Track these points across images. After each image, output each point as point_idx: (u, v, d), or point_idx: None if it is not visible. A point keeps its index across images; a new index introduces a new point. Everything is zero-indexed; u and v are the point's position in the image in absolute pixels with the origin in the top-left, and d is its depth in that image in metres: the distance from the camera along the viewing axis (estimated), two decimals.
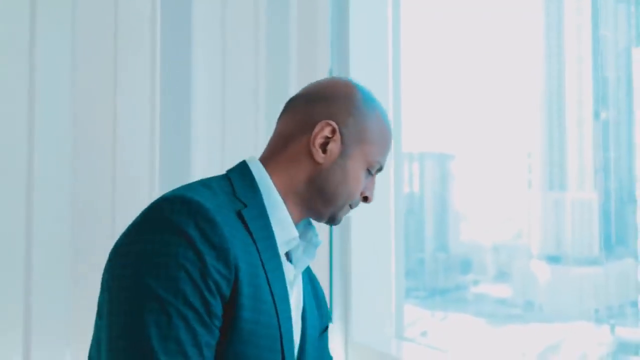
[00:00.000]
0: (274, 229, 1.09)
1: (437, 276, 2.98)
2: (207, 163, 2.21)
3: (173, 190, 1.03)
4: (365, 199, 1.19)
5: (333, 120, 1.11)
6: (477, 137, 2.73)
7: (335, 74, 2.63)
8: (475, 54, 2.68)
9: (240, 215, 1.04)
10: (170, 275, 0.93)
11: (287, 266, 1.12)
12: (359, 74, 2.56)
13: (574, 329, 2.46)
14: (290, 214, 1.13)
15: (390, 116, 2.64)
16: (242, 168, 1.12)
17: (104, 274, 1.02)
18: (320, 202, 1.14)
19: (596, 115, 2.34)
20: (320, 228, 2.58)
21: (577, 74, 2.40)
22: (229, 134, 2.30)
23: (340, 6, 2.60)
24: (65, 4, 2.15)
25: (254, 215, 1.06)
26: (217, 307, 0.96)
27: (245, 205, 1.06)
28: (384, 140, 1.17)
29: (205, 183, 1.07)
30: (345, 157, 1.12)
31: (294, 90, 2.56)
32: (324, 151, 1.11)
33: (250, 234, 1.04)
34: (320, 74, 2.54)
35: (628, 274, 2.28)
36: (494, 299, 2.82)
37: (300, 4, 2.51)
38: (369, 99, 1.17)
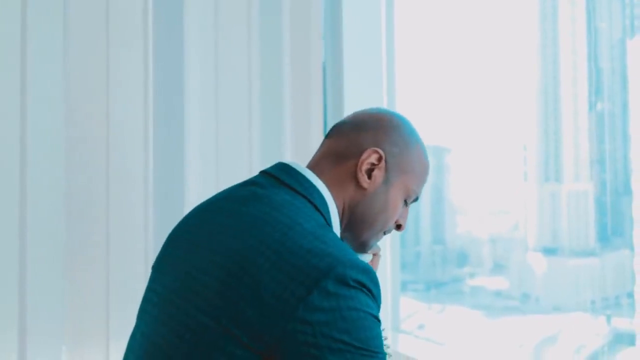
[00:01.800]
0: None
1: (434, 269, 2.99)
2: (201, 159, 2.21)
3: (338, 253, 0.99)
4: (399, 227, 1.24)
5: (380, 148, 1.15)
6: (473, 129, 2.73)
7: (329, 69, 2.62)
8: (469, 47, 2.67)
9: None
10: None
11: None
12: (353, 68, 2.55)
13: (571, 320, 2.47)
14: None
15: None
16: (315, 191, 1.11)
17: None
18: (359, 226, 1.17)
19: (591, 107, 2.34)
20: None
21: (572, 65, 2.40)
22: (222, 129, 2.30)
23: (333, 1, 2.59)
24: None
25: None
26: None
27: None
28: (424, 172, 1.23)
29: (324, 227, 1.05)
30: (388, 184, 1.16)
31: (287, 85, 2.55)
32: (369, 177, 1.14)
33: None
34: (313, 69, 2.54)
35: (624, 265, 2.28)
36: (490, 291, 2.82)
37: None
38: (412, 132, 1.22)
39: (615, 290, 2.33)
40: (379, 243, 1.30)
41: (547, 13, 2.47)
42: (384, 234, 1.22)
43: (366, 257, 1.29)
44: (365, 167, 1.13)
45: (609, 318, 2.32)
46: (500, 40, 2.58)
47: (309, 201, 1.08)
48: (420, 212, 2.97)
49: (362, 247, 1.22)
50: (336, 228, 1.12)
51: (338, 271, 0.94)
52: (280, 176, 1.12)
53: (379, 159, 1.14)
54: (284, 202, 1.05)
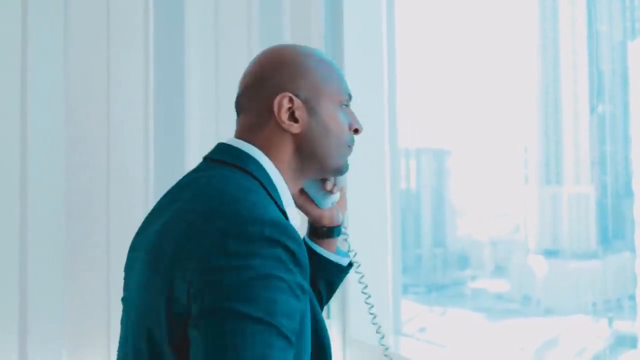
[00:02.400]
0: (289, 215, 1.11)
1: (435, 272, 2.98)
2: (201, 159, 2.20)
3: (251, 208, 1.00)
4: (356, 131, 1.21)
5: (284, 92, 1.12)
6: (474, 132, 2.73)
7: None
8: (470, 49, 2.67)
9: (285, 215, 1.07)
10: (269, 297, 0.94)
11: None
12: (354, 70, 2.55)
13: (572, 322, 2.46)
14: (291, 191, 1.16)
15: (386, 112, 2.64)
16: (251, 160, 1.12)
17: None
18: (318, 162, 1.16)
19: (592, 109, 2.34)
20: None
21: (573, 68, 2.40)
22: (222, 129, 2.30)
23: (334, 1, 2.60)
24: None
25: (281, 205, 1.09)
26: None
27: (276, 201, 1.08)
28: (335, 74, 1.19)
29: (250, 189, 1.05)
30: (315, 113, 1.14)
31: None
32: (295, 121, 1.13)
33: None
34: None
35: (625, 268, 2.27)
36: (491, 293, 2.82)
37: None
38: (299, 52, 1.18)
39: (616, 292, 2.32)
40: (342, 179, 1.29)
41: (548, 15, 2.48)
42: (349, 147, 1.20)
43: (334, 197, 1.28)
44: (285, 115, 1.11)
45: (610, 320, 2.31)
46: (501, 42, 2.59)
47: (244, 170, 1.09)
48: (421, 215, 2.97)
49: (339, 171, 1.20)
50: (282, 186, 1.12)
51: (240, 229, 0.95)
52: (217, 156, 1.14)
53: (290, 100, 1.12)
54: (216, 176, 1.08)
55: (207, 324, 0.92)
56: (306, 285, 0.99)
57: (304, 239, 1.32)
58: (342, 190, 1.32)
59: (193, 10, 2.28)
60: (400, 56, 2.68)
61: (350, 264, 1.38)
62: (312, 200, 1.29)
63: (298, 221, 1.16)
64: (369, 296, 1.36)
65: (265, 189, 1.08)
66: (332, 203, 1.30)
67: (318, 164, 1.17)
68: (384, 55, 2.63)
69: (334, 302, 2.58)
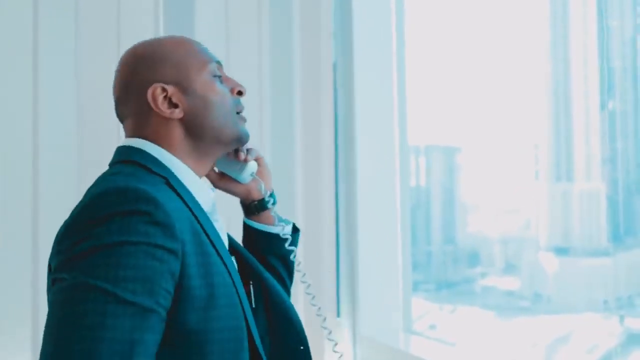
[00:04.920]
0: (192, 193, 1.12)
1: (445, 269, 2.98)
2: None
3: (102, 184, 1.04)
4: (240, 93, 1.21)
5: (151, 84, 1.13)
6: (484, 129, 2.72)
7: (340, 68, 2.62)
8: (480, 45, 2.66)
9: (169, 184, 1.08)
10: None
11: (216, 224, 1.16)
12: (363, 68, 2.55)
13: (583, 320, 2.45)
14: (198, 174, 1.17)
15: (396, 110, 2.64)
16: (136, 151, 1.13)
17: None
18: (212, 137, 1.16)
19: (603, 105, 2.33)
20: (327, 221, 2.58)
21: (583, 64, 2.39)
22: None
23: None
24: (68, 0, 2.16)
25: (177, 184, 1.09)
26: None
27: (166, 178, 1.09)
28: (192, 47, 1.18)
29: (120, 171, 1.08)
30: (189, 92, 1.14)
31: (298, 84, 2.56)
32: (175, 106, 1.13)
33: (183, 200, 1.07)
34: (324, 68, 2.54)
35: (637, 265, 2.27)
36: (502, 291, 2.81)
37: None
38: (148, 43, 1.18)
39: (628, 290, 2.32)
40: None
41: (558, 12, 2.47)
42: (238, 113, 1.20)
43: (250, 167, 1.28)
44: (164, 105, 1.12)
45: (622, 318, 2.30)
46: (511, 39, 2.58)
47: (127, 162, 1.11)
48: (431, 212, 2.97)
49: (239, 140, 1.20)
50: (176, 163, 1.12)
51: (87, 204, 0.98)
52: (113, 159, 1.15)
53: (163, 89, 1.13)
54: (102, 175, 1.10)
55: (53, 291, 0.96)
56: (173, 244, 0.98)
57: (243, 221, 1.34)
58: (259, 159, 1.32)
59: (203, 10, 2.29)
60: (410, 54, 2.68)
61: (297, 230, 1.37)
62: (233, 179, 1.29)
63: (210, 196, 1.17)
64: (300, 263, 1.36)
65: (145, 167, 1.09)
66: (251, 174, 1.29)
67: (213, 139, 1.16)
68: (393, 53, 2.63)
69: (344, 300, 2.58)
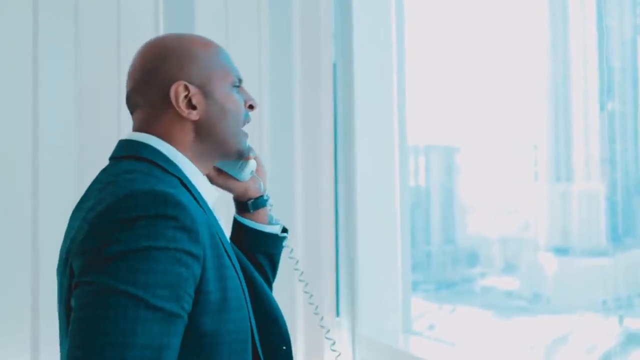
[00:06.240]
0: (201, 193, 1.14)
1: (444, 269, 2.98)
2: None
3: (123, 184, 1.02)
4: (251, 107, 1.23)
5: (176, 80, 1.13)
6: (483, 129, 2.72)
7: (339, 68, 2.63)
8: (480, 46, 2.67)
9: (183, 185, 1.09)
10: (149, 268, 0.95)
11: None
12: (363, 68, 2.55)
13: (582, 320, 2.46)
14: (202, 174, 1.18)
15: (395, 110, 2.64)
16: (145, 147, 1.13)
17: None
18: (220, 143, 1.18)
19: (602, 106, 2.33)
20: (326, 221, 2.58)
21: (583, 64, 2.39)
22: None
23: (343, 0, 2.60)
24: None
25: (189, 185, 1.10)
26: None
27: (179, 178, 1.10)
28: (222, 56, 1.20)
29: (135, 169, 1.07)
30: (210, 97, 1.15)
31: (298, 84, 2.56)
32: (193, 107, 1.14)
33: (197, 201, 1.08)
34: (323, 68, 2.54)
35: (636, 265, 2.27)
36: (501, 291, 2.81)
37: None
38: (182, 39, 1.19)
39: (627, 290, 2.32)
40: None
41: (557, 12, 2.47)
42: (245, 124, 1.22)
43: (251, 165, 1.30)
44: (183, 104, 1.12)
45: (621, 318, 2.30)
46: (511, 39, 2.58)
47: (137, 158, 1.10)
48: (431, 212, 2.97)
49: (240, 155, 1.23)
50: (185, 163, 1.13)
51: (112, 207, 0.97)
52: (117, 153, 1.15)
53: (186, 88, 1.13)
54: (107, 169, 1.11)
55: (79, 294, 0.95)
56: (198, 249, 0.98)
57: (234, 218, 1.35)
58: (257, 158, 1.34)
59: (203, 10, 2.29)
60: (410, 54, 2.68)
61: (285, 230, 1.39)
62: (231, 177, 1.30)
63: (214, 195, 1.19)
64: (297, 261, 1.38)
65: (159, 166, 1.09)
66: (251, 172, 1.31)
67: (218, 147, 1.18)
68: (393, 53, 2.63)
69: (343, 300, 2.58)
